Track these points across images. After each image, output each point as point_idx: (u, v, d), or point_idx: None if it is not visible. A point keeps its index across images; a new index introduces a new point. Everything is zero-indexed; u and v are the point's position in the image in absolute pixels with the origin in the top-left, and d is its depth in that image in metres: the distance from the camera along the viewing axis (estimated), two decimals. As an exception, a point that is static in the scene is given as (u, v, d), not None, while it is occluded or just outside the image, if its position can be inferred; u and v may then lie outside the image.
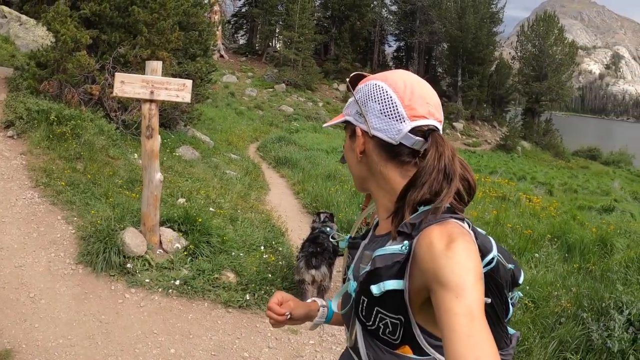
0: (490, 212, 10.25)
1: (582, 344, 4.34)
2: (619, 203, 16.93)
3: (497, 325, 1.17)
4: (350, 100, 1.28)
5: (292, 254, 6.15)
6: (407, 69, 55.06)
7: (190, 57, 10.64)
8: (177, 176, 8.06)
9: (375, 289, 1.07)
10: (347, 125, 1.29)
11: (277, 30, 44.78)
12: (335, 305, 1.41)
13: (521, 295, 1.28)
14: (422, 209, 1.12)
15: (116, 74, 4.73)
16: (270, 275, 5.18)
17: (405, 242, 1.07)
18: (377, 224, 1.35)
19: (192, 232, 5.41)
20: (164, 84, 4.75)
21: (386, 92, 1.19)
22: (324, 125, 1.39)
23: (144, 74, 4.87)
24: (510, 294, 1.20)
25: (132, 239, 4.85)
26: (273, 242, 6.32)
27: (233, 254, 5.37)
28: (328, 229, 5.23)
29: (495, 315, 1.15)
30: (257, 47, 47.50)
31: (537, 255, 7.23)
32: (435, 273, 0.98)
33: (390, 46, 56.90)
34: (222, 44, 40.61)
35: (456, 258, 0.97)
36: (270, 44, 47.60)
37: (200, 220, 5.49)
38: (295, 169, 13.01)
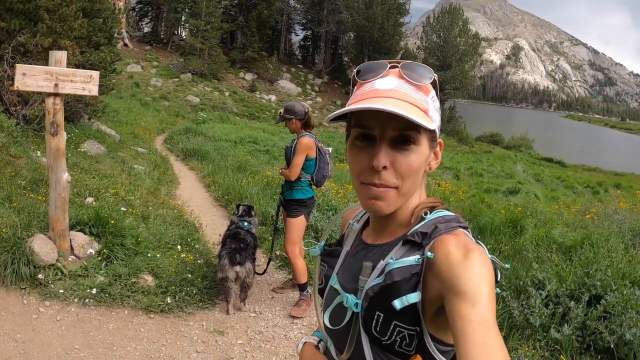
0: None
1: (505, 321, 4.54)
2: (523, 185, 17.90)
3: None
4: (432, 104, 1.14)
5: (209, 251, 6.02)
6: (313, 58, 55.86)
7: (94, 46, 10.02)
8: (83, 174, 7.60)
9: (398, 304, 1.03)
10: (421, 131, 1.09)
11: (183, 18, 43.78)
12: (326, 320, 1.25)
13: (499, 291, 1.27)
14: (428, 217, 1.13)
15: (17, 65, 4.30)
16: (189, 275, 4.99)
17: (429, 253, 1.04)
18: (361, 231, 1.30)
19: (104, 234, 5.08)
20: (69, 76, 4.39)
21: None
22: (429, 126, 1.05)
23: (47, 64, 4.47)
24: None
25: (42, 247, 4.45)
26: (188, 240, 6.12)
27: (149, 255, 5.10)
28: (245, 223, 5.11)
29: None
30: (162, 36, 46.25)
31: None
32: (453, 282, 0.97)
33: (297, 35, 57.35)
34: (126, 32, 38.99)
35: (474, 268, 0.98)
36: (176, 32, 46.46)
37: (113, 222, 5.17)
38: (205, 161, 12.86)
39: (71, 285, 4.39)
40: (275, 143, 19.99)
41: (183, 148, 14.39)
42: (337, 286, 1.23)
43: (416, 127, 1.05)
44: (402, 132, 1.07)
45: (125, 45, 38.04)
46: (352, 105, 1.06)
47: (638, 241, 9.20)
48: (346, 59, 54.98)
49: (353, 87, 1.19)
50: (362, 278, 1.15)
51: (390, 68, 1.14)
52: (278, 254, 6.30)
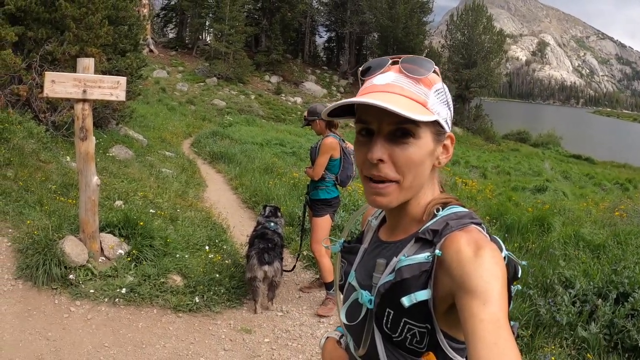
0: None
1: (532, 319, 4.51)
2: (550, 183, 17.68)
3: None
4: (435, 97, 1.12)
5: (237, 252, 6.09)
6: (338, 59, 55.85)
7: (120, 53, 10.19)
8: (112, 177, 7.76)
9: (406, 301, 1.03)
10: (420, 124, 1.08)
11: (207, 23, 43.98)
12: (343, 316, 1.28)
13: (519, 287, 1.28)
14: (440, 214, 1.12)
15: (46, 73, 4.43)
16: (217, 275, 5.05)
17: (437, 251, 1.03)
18: (378, 228, 1.31)
19: (133, 236, 5.17)
20: (97, 82, 4.50)
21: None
22: (420, 117, 1.04)
23: (74, 72, 4.61)
24: (511, 287, 1.17)
25: (73, 248, 4.56)
26: (216, 241, 6.20)
27: (177, 255, 5.18)
28: (272, 224, 5.15)
29: None
30: (187, 41, 46.50)
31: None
32: (463, 279, 0.96)
33: (321, 37, 57.28)
34: (152, 38, 39.52)
35: (485, 265, 0.96)
36: (201, 37, 46.78)
37: (142, 223, 5.26)
38: (232, 163, 12.93)
39: (101, 286, 4.48)
40: (301, 145, 20.02)
41: (210, 151, 14.51)
42: (354, 283, 1.24)
43: (414, 121, 1.04)
44: (399, 126, 1.07)
45: (151, 51, 38.52)
46: (365, 99, 1.05)
47: (670, 238, 9.03)
48: (370, 60, 54.81)
49: (361, 85, 1.20)
50: (376, 275, 1.15)
51: (392, 64, 1.15)
52: (305, 254, 6.35)
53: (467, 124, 47.07)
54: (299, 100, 40.41)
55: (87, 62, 4.54)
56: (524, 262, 1.21)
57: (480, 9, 49.59)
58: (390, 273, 1.10)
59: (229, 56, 37.93)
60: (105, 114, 10.55)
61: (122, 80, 4.67)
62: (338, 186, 5.03)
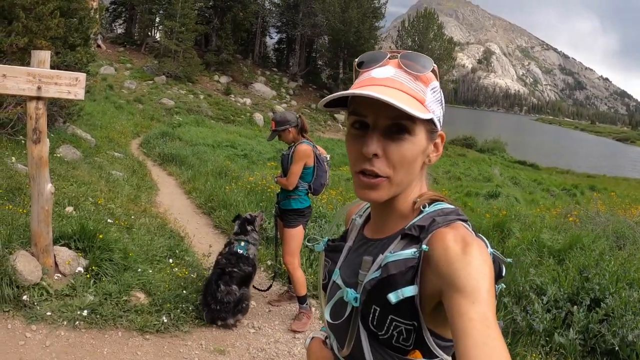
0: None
1: (508, 328, 4.52)
2: (502, 188, 17.89)
3: None
4: (431, 95, 1.11)
5: (199, 263, 5.73)
6: (287, 61, 55.65)
7: (70, 47, 9.61)
8: (61, 181, 7.22)
9: (393, 297, 1.02)
10: (416, 121, 1.06)
11: (158, 20, 43.01)
12: (327, 315, 1.24)
13: (504, 286, 1.18)
14: (426, 210, 1.11)
15: (-4, 66, 3.97)
16: (184, 292, 4.67)
17: (424, 246, 1.02)
18: (363, 226, 1.28)
19: (91, 249, 4.70)
20: (53, 78, 4.03)
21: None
22: (418, 114, 1.01)
23: (22, 65, 4.15)
24: (496, 286, 1.11)
25: (25, 265, 4.05)
26: (177, 251, 5.81)
27: (139, 270, 4.75)
28: (242, 243, 4.74)
29: None
30: (136, 37, 45.24)
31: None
32: (452, 277, 0.95)
33: (271, 38, 56.88)
34: (100, 33, 38.33)
35: (473, 263, 0.95)
36: (150, 33, 45.60)
37: (101, 236, 4.80)
38: (183, 166, 12.54)
39: (59, 307, 4.02)
40: (253, 147, 19.76)
41: (160, 152, 14.07)
42: (339, 281, 1.22)
43: (411, 117, 1.02)
44: (395, 121, 1.05)
45: (99, 46, 37.25)
46: (368, 92, 1.01)
47: (622, 243, 9.25)
48: (320, 63, 54.88)
49: (356, 77, 1.16)
50: (362, 272, 1.14)
51: (389, 58, 1.12)
52: (270, 264, 6.07)
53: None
54: (248, 101, 40.01)
55: (43, 56, 4.05)
56: (509, 260, 1.17)
57: (431, 16, 50.54)
58: (377, 270, 1.09)
59: (178, 54, 37.17)
60: (52, 112, 9.92)
61: (82, 77, 4.23)
62: (310, 195, 4.76)
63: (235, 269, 4.51)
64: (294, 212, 4.66)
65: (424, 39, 49.38)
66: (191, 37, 38.33)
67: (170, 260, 5.35)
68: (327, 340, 1.37)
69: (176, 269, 5.11)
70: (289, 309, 5.08)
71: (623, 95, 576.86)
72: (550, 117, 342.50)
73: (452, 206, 1.13)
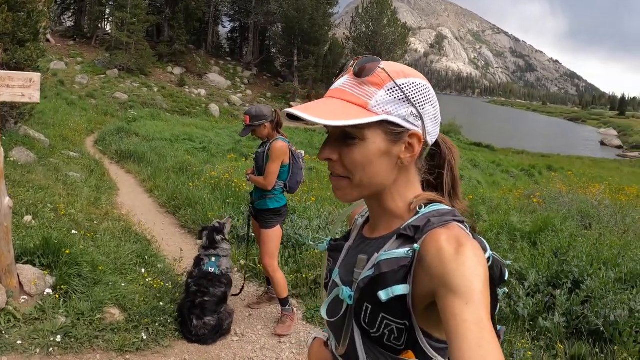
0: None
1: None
2: (462, 171, 17.98)
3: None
4: (386, 95, 1.07)
5: (171, 268, 5.46)
6: (241, 50, 54.86)
7: (19, 43, 9.05)
8: (16, 187, 6.80)
9: (383, 295, 1.02)
10: (364, 126, 1.07)
11: (108, 11, 41.56)
12: (324, 312, 1.25)
13: (506, 290, 1.11)
14: (422, 211, 1.11)
15: (-59, 68, 3.57)
16: (160, 303, 4.35)
17: (415, 245, 1.03)
18: (363, 226, 1.30)
19: (57, 265, 4.31)
20: (5, 80, 3.64)
21: (433, 94, 1.14)
22: (335, 123, 1.03)
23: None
24: (497, 290, 1.13)
25: None
26: (146, 257, 5.48)
27: (110, 283, 4.38)
28: (212, 259, 4.41)
29: None
30: (86, 30, 43.48)
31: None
32: (445, 278, 0.94)
33: (224, 27, 55.85)
34: (49, 26, 36.87)
35: (467, 264, 0.94)
36: (101, 25, 43.85)
37: (67, 251, 4.40)
38: (142, 163, 12.16)
39: (29, 333, 3.63)
40: (211, 139, 19.40)
41: (117, 149, 13.62)
42: (338, 279, 1.23)
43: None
44: (340, 129, 1.08)
45: (48, 41, 35.87)
46: (291, 109, 1.05)
47: (588, 222, 9.40)
48: (274, 51, 54.36)
49: None
50: (357, 271, 1.14)
51: (351, 66, 1.14)
52: (243, 263, 5.85)
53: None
54: (203, 92, 39.41)
55: (-6, 55, 3.71)
56: (508, 262, 1.16)
57: (385, 2, 50.55)
58: (371, 268, 1.09)
59: (130, 46, 36.18)
60: (2, 112, 9.40)
61: (36, 77, 3.82)
62: (285, 193, 4.53)
63: (207, 297, 4.17)
64: (270, 212, 4.42)
65: (377, 24, 49.46)
66: (143, 28, 37.35)
67: (143, 270, 5.00)
68: (329, 341, 1.37)
69: (149, 279, 4.79)
70: (270, 311, 4.88)
71: (573, 76, 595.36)
72: (503, 99, 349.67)
73: (449, 207, 1.12)
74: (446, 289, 0.93)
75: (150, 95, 33.11)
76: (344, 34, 56.10)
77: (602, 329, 4.30)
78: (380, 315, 1.06)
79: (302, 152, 4.60)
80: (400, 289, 1.01)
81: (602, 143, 79.32)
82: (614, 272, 5.31)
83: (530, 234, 7.31)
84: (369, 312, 1.08)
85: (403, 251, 1.04)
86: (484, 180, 17.67)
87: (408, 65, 1.19)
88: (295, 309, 4.77)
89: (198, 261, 4.46)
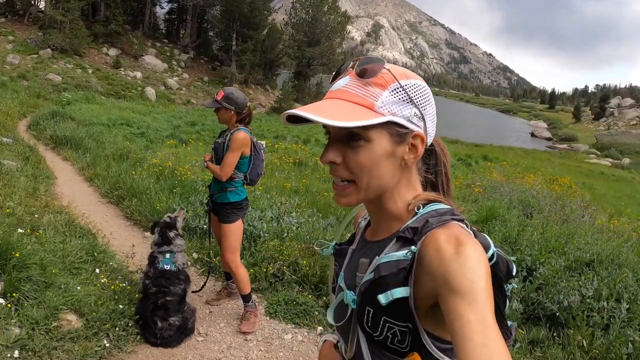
0: (297, 180, 10.15)
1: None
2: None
3: (500, 319, 1.05)
4: (391, 96, 1.08)
5: (125, 266, 5.20)
6: (178, 32, 53.35)
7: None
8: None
9: (382, 298, 1.02)
10: (369, 127, 1.06)
11: (42, -13, 39.38)
12: (330, 317, 1.26)
13: (515, 285, 1.13)
14: (421, 212, 1.10)
15: None
16: (119, 306, 4.06)
17: (413, 247, 1.02)
18: (365, 229, 1.30)
19: (5, 270, 3.87)
20: None
21: (432, 95, 1.16)
22: (345, 124, 1.00)
23: None
24: (506, 286, 1.11)
25: None
26: (95, 253, 5.12)
27: (62, 286, 4.02)
28: (167, 256, 4.17)
29: (497, 309, 1.03)
30: (18, 7, 40.77)
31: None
32: (446, 279, 0.93)
33: (162, 8, 54.03)
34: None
35: (467, 263, 0.93)
36: (34, 2, 41.39)
37: (17, 255, 3.95)
38: (80, 149, 11.67)
39: None
40: (149, 124, 19.00)
41: (52, 135, 13.00)
42: (342, 284, 1.23)
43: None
44: (345, 130, 1.07)
45: (-25, 18, 33.94)
46: (293, 110, 1.04)
47: (529, 212, 9.74)
48: (211, 34, 53.28)
49: None
50: (359, 274, 1.15)
51: (351, 67, 1.14)
52: (196, 257, 5.68)
53: (307, 100, 47.58)
54: (139, 75, 38.31)
55: None
56: (512, 258, 1.15)
57: (326, -11, 50.34)
58: (371, 272, 1.09)
59: (65, 25, 34.61)
60: None
61: None
62: (246, 185, 4.34)
63: (169, 297, 3.95)
64: (231, 205, 4.22)
65: (318, 11, 49.29)
66: (78, 6, 35.75)
67: (98, 270, 4.67)
68: (339, 344, 1.37)
69: (104, 279, 4.48)
70: (230, 307, 4.75)
71: (505, 69, 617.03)
72: (437, 89, 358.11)
73: (447, 206, 1.11)
74: (448, 290, 0.92)
75: (84, 77, 32.00)
76: (283, 19, 55.60)
77: (557, 314, 4.54)
78: (382, 319, 1.05)
79: (263, 143, 4.42)
80: (400, 292, 1.01)
81: (533, 134, 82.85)
82: (563, 260, 5.61)
83: (477, 222, 7.45)
84: (371, 315, 1.07)
85: (402, 253, 1.03)
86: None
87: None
88: (257, 304, 4.65)
89: (152, 259, 4.20)
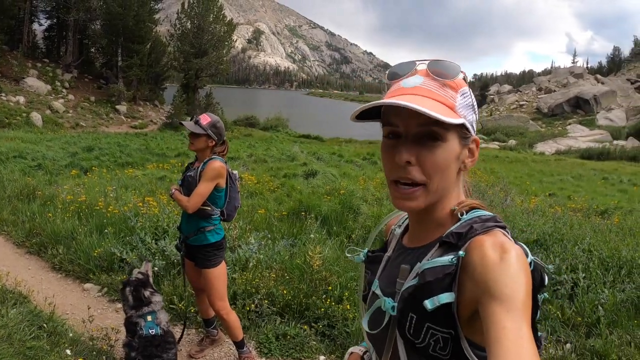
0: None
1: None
2: (308, 165, 17.47)
3: (532, 328, 1.06)
4: (462, 100, 1.11)
5: (88, 335, 4.33)
6: (59, 50, 49.83)
7: None
8: None
9: (429, 304, 1.01)
10: (448, 127, 1.07)
11: None
12: (365, 325, 1.24)
13: (546, 295, 1.20)
14: (464, 218, 1.11)
15: None
16: None
17: (460, 252, 1.01)
18: (402, 236, 1.29)
19: None
20: None
21: None
22: (446, 119, 1.02)
23: None
24: (538, 295, 1.10)
25: None
26: (44, 326, 4.18)
27: None
28: (148, 319, 3.50)
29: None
30: None
31: (313, 236, 6.89)
32: (488, 285, 0.94)
33: (41, 25, 50.10)
34: None
35: (510, 271, 0.94)
36: None
37: None
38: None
39: None
40: (43, 154, 17.61)
41: None
42: (378, 291, 1.22)
43: (441, 123, 1.04)
44: (426, 128, 1.06)
45: None
46: (394, 99, 1.03)
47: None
48: (93, 50, 50.51)
49: (388, 88, 1.18)
50: (400, 281, 1.14)
51: (418, 66, 1.13)
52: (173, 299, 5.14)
53: (199, 113, 46.18)
54: (22, 99, 35.50)
55: None
56: (550, 266, 1.20)
57: (211, -2, 49.42)
58: (414, 278, 1.09)
59: None
60: None
61: None
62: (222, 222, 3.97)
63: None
64: (211, 247, 3.82)
65: (203, 21, 48.32)
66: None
67: (68, 352, 3.87)
68: (366, 355, 1.39)
69: None
70: (217, 355, 4.41)
71: (385, 66, 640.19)
72: (321, 91, 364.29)
73: (490, 213, 1.12)
74: (489, 296, 0.93)
75: (-39, 106, 28.98)
76: (168, 30, 53.93)
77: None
78: (426, 325, 1.05)
79: (236, 172, 4.07)
80: (446, 297, 1.01)
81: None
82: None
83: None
84: (414, 322, 1.07)
85: (447, 259, 1.03)
86: (337, 173, 17.50)
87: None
88: (252, 349, 4.34)
89: (132, 326, 3.50)
